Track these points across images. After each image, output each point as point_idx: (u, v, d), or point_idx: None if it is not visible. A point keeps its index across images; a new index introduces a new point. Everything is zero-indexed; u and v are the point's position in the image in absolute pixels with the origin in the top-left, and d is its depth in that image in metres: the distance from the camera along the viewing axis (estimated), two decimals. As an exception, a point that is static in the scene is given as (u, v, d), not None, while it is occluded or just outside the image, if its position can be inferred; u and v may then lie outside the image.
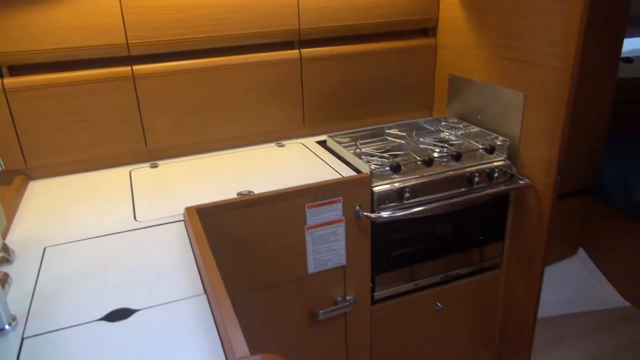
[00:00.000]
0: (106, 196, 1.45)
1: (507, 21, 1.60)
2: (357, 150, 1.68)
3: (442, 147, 1.70)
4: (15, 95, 1.49)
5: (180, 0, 1.58)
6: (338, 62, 1.85)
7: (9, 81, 1.47)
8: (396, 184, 1.51)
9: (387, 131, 1.87)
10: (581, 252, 2.47)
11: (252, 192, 1.40)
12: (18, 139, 1.53)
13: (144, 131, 1.67)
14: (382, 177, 1.52)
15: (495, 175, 1.62)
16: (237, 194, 1.40)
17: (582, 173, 2.20)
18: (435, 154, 1.64)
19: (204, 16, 1.62)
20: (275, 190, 1.38)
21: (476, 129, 1.79)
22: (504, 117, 1.68)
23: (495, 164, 1.63)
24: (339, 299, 1.58)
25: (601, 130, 2.14)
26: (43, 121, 1.54)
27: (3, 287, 0.95)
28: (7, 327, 0.87)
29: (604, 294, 2.37)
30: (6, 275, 0.99)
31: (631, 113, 2.43)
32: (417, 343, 1.79)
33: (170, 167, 1.66)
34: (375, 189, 1.49)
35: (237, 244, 1.38)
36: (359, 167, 1.56)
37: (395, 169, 1.52)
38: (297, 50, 1.79)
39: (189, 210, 1.27)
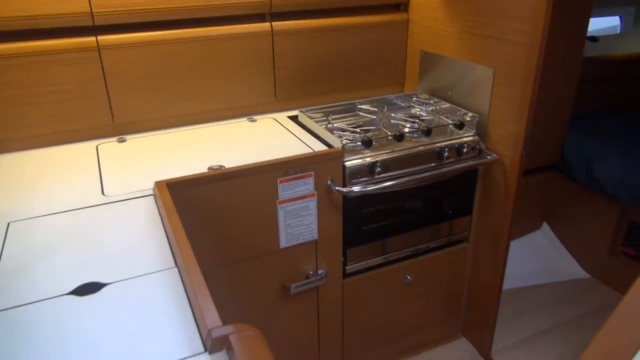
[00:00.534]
0: (73, 171, 1.42)
1: (478, -3, 1.61)
2: (329, 125, 1.68)
3: (412, 122, 1.72)
4: (-27, 66, 1.43)
5: (146, -32, 1.53)
6: (310, 36, 1.83)
7: (-35, 50, 1.41)
8: (367, 159, 1.52)
9: (359, 106, 1.87)
10: (545, 227, 2.55)
11: (223, 166, 1.39)
12: (-23, 111, 1.47)
13: (111, 105, 1.63)
14: (353, 152, 1.53)
15: (464, 150, 1.65)
16: (208, 169, 1.38)
17: (548, 149, 2.26)
18: (406, 130, 1.66)
19: (172, -14, 1.58)
20: (246, 165, 1.37)
21: (447, 105, 1.81)
22: (473, 93, 1.71)
23: (465, 139, 1.66)
24: (311, 272, 1.59)
25: (567, 107, 2.20)
26: (5, 93, 1.48)
27: (-35, 262, 0.93)
28: (-30, 302, 0.85)
29: (566, 267, 2.47)
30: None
31: (596, 91, 2.50)
32: (387, 315, 1.83)
33: (138, 142, 1.62)
34: (347, 163, 1.50)
35: (209, 218, 1.38)
36: (330, 142, 1.56)
37: (367, 143, 1.53)
38: (268, 23, 1.76)
39: (158, 184, 1.26)
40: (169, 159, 1.48)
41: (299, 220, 1.49)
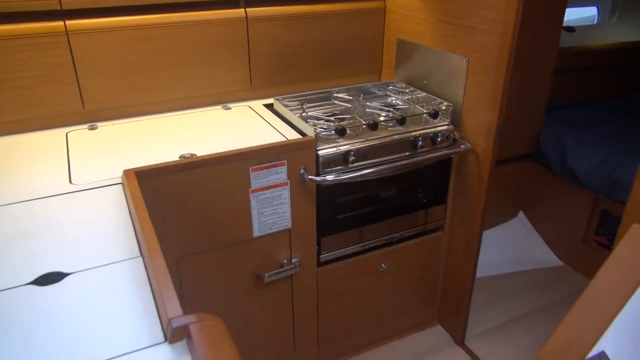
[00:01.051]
0: (40, 159, 1.39)
1: (453, -15, 1.60)
2: (304, 114, 1.67)
3: (387, 111, 1.72)
4: None
5: (116, -49, 1.49)
6: (286, 23, 1.81)
7: None
8: (341, 148, 1.52)
9: (336, 95, 1.86)
10: (521, 215, 2.58)
11: (195, 154, 1.38)
12: (-60, 97, 1.43)
13: (81, 91, 1.59)
14: (327, 140, 1.53)
15: (439, 139, 1.66)
16: (180, 157, 1.37)
17: (524, 139, 2.27)
18: (381, 118, 1.65)
19: (143, -30, 1.54)
20: (218, 153, 1.36)
21: (422, 94, 1.81)
22: (448, 82, 1.71)
23: (439, 128, 1.67)
24: (285, 261, 1.59)
25: (543, 97, 2.21)
26: (-32, 78, 1.44)
27: None
28: None
29: (540, 255, 2.51)
30: None
31: (573, 81, 2.52)
32: (362, 303, 1.84)
33: (109, 129, 1.60)
34: (320, 152, 1.49)
35: (181, 207, 1.36)
36: (304, 130, 1.55)
37: (341, 132, 1.53)
38: (242, 9, 1.73)
39: (127, 172, 1.24)
40: (141, 147, 1.45)
41: (272, 209, 1.49)
